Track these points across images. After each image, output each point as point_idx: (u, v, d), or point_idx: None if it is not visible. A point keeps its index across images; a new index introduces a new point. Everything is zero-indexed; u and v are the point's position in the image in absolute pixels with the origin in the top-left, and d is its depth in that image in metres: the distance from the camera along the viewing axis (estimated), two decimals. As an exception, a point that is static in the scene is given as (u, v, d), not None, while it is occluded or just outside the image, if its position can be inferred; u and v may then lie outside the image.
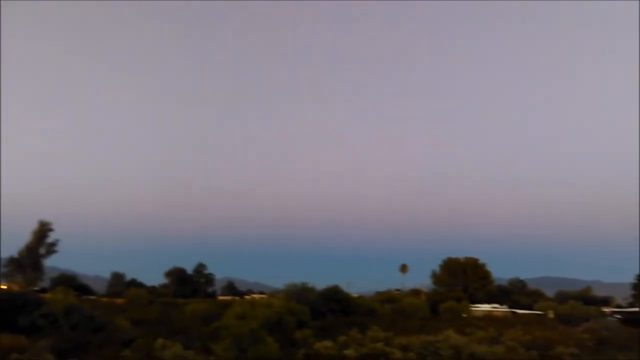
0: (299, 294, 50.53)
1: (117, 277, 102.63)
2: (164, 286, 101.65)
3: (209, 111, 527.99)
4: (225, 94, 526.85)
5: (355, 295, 76.24)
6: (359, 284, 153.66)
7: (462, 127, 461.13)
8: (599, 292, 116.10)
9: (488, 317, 65.07)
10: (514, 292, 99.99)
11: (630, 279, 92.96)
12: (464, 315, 64.53)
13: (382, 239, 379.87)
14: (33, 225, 73.91)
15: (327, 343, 29.00)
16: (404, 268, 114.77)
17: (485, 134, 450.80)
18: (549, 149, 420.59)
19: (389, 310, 61.39)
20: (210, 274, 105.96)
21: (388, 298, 73.72)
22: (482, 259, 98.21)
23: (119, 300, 68.98)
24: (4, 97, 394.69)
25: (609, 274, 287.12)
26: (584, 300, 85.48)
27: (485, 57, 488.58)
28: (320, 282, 58.32)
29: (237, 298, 77.48)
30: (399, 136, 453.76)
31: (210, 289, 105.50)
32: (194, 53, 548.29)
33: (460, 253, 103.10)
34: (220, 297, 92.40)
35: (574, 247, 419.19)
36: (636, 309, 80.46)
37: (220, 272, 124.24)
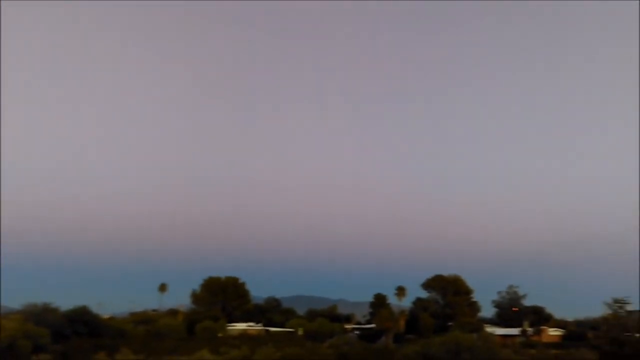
0: (39, 315, 46.03)
1: None
2: None
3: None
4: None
5: (106, 316, 71.89)
6: (113, 305, 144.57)
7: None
8: (343, 310, 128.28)
9: (243, 335, 66.70)
10: (269, 311, 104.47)
11: (369, 298, 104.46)
12: (220, 335, 65.12)
13: (142, 256, 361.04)
14: None
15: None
16: (162, 287, 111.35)
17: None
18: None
19: (143, 332, 59.19)
20: None
21: (143, 319, 70.97)
22: (242, 279, 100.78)
23: None
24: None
25: (352, 293, 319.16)
26: (331, 318, 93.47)
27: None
28: (66, 302, 53.92)
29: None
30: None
31: None
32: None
33: (222, 272, 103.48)
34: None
35: (324, 268, 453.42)
36: (372, 326, 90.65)
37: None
